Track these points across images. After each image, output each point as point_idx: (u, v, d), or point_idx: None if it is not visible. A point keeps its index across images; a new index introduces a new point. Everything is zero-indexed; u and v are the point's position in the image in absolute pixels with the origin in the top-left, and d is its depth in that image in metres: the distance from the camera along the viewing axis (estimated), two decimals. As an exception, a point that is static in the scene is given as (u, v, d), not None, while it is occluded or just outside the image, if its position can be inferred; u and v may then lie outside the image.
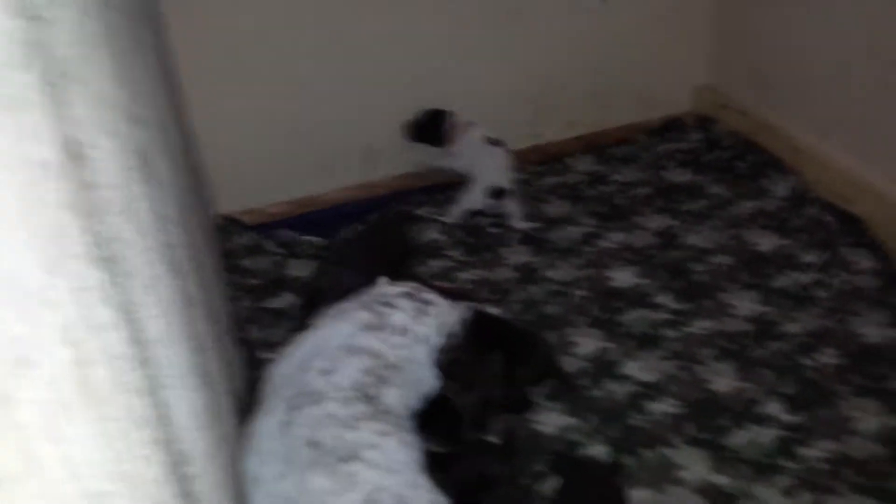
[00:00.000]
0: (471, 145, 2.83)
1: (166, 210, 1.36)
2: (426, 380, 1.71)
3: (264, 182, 2.90)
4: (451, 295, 1.81)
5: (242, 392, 1.91)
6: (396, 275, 1.88)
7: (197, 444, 1.17)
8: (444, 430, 1.79)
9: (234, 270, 2.60)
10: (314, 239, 2.80)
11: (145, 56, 1.55)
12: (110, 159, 0.93)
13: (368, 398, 1.51)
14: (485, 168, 2.78)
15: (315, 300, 2.17)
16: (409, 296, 1.74)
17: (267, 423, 1.50)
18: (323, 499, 1.35)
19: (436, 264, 2.64)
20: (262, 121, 2.81)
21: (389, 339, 1.64)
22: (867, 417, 1.95)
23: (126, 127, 1.11)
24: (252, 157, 2.82)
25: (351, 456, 1.39)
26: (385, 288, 1.76)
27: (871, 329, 2.25)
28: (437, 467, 1.74)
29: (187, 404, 1.17)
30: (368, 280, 1.83)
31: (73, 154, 0.75)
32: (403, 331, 1.66)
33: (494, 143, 2.81)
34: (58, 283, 0.66)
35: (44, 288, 0.64)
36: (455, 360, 1.71)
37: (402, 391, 1.59)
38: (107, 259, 0.79)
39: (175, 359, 1.14)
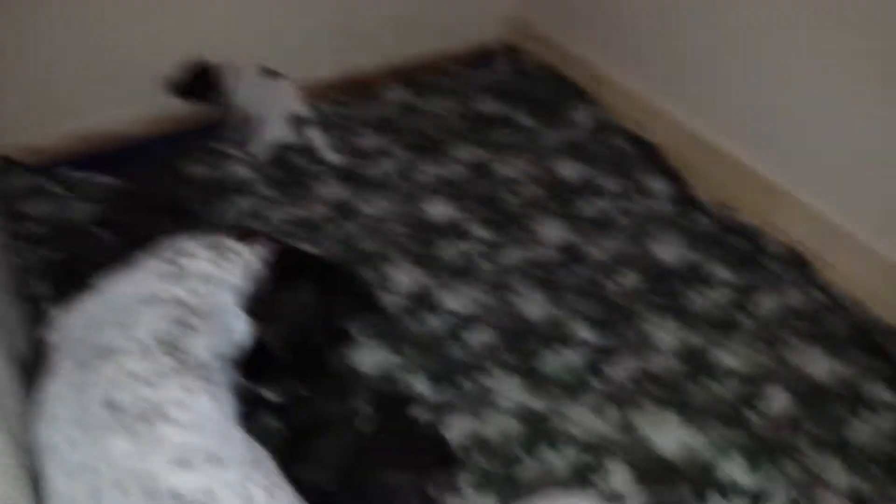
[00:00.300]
0: (251, 87, 2.68)
1: None
2: (237, 327, 1.62)
3: (47, 116, 2.62)
4: (252, 238, 1.72)
5: (28, 355, 1.73)
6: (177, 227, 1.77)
7: None
8: (264, 374, 1.74)
9: (13, 217, 2.35)
10: (106, 179, 2.58)
11: None
12: None
13: (173, 349, 1.40)
14: (275, 101, 2.66)
15: (73, 266, 2.02)
16: (207, 244, 1.64)
17: (57, 386, 1.36)
18: (125, 463, 1.24)
19: (245, 203, 2.51)
20: (43, 47, 2.52)
21: (191, 287, 1.53)
22: (666, 335, 2.08)
23: None
24: (31, 87, 2.55)
25: (154, 415, 1.29)
26: (182, 239, 1.66)
27: (668, 251, 2.38)
28: (269, 413, 1.72)
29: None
30: (138, 239, 1.72)
31: None
32: (206, 278, 1.56)
33: (274, 74, 2.69)
34: None
35: None
36: (258, 298, 1.64)
37: (211, 340, 1.50)
38: None
39: None
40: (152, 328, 1.42)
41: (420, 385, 1.92)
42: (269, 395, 1.75)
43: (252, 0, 2.81)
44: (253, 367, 1.66)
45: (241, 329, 1.63)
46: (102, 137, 2.75)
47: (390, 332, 2.06)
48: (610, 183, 2.65)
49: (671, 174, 2.68)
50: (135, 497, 1.21)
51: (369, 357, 1.98)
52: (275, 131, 2.66)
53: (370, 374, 1.95)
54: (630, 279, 2.28)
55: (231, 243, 1.66)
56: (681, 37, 2.67)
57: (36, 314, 1.99)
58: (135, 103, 2.77)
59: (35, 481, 1.30)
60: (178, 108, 2.79)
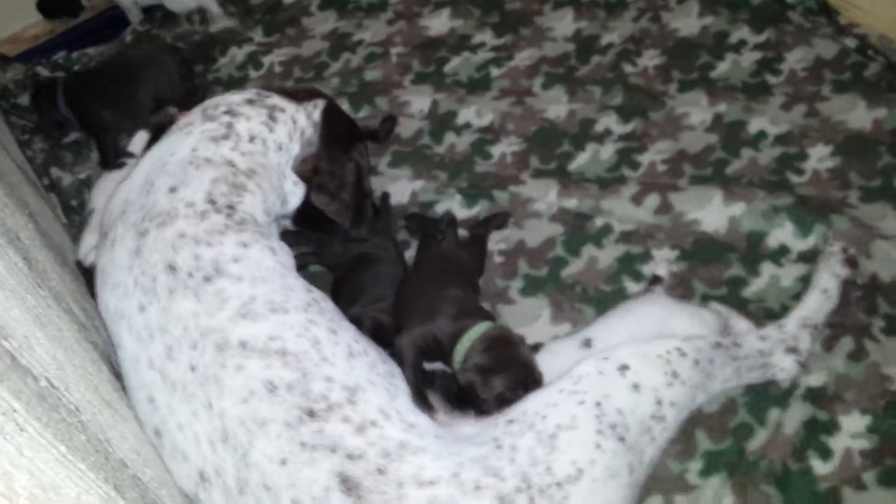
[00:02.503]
0: None
1: None
2: (288, 188, 1.61)
3: (11, 3, 2.49)
4: (295, 95, 1.66)
5: (64, 242, 1.74)
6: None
7: (10, 312, 1.04)
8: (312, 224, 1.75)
9: (16, 111, 2.29)
10: (90, 51, 2.48)
11: None
12: None
13: (225, 208, 1.41)
14: None
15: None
16: (253, 102, 1.59)
17: (117, 255, 1.39)
18: (193, 321, 1.28)
19: (239, 52, 2.41)
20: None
21: (240, 146, 1.51)
22: (696, 110, 2.00)
23: None
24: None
25: (214, 273, 1.32)
26: (227, 96, 1.61)
27: (686, 22, 2.25)
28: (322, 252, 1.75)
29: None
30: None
31: None
32: (253, 138, 1.54)
33: None
34: None
35: None
36: (317, 168, 1.62)
37: (262, 198, 1.50)
38: None
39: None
40: (202, 190, 1.42)
41: (455, 204, 1.89)
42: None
43: None
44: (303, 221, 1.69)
45: (291, 189, 1.62)
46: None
47: (417, 158, 2.01)
48: (614, -41, 2.47)
49: (677, -63, 2.48)
50: (206, 351, 1.26)
51: (401, 186, 1.94)
52: None
53: (404, 202, 1.91)
54: (651, 59, 2.17)
55: (277, 100, 1.61)
56: None
57: (64, 204, 1.99)
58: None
59: (105, 353, 1.35)
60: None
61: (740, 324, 1.55)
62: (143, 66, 2.21)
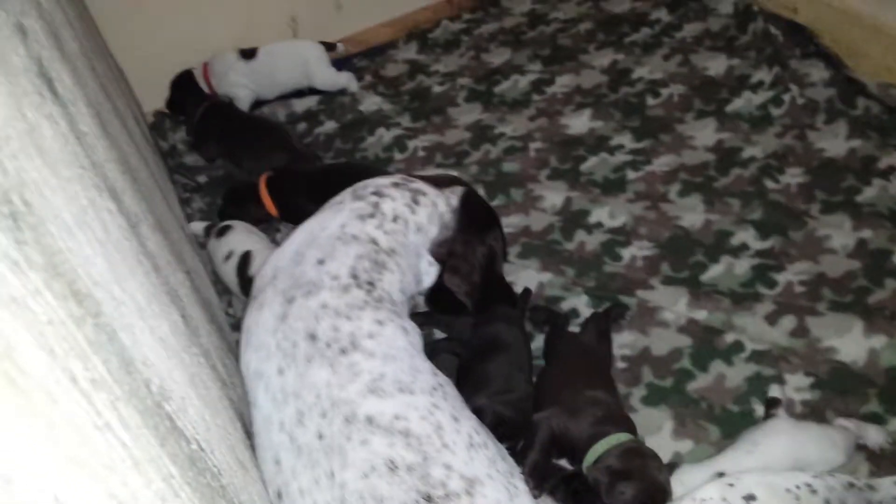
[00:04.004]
0: (240, 68, 2.66)
1: (83, 127, 1.21)
2: (423, 267, 1.69)
3: (177, 68, 2.71)
4: (437, 182, 1.75)
5: (212, 298, 1.83)
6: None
7: (172, 373, 1.09)
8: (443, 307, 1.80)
9: (177, 169, 2.45)
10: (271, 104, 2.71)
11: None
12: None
13: (366, 284, 1.48)
14: (297, 58, 2.70)
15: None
16: (398, 185, 1.68)
17: (263, 317, 1.46)
18: (326, 391, 1.32)
19: (386, 134, 2.51)
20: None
21: (384, 225, 1.60)
22: (838, 233, 1.95)
23: (10, 39, 0.94)
24: (166, 44, 2.63)
25: (350, 346, 1.37)
26: (375, 179, 1.70)
27: (831, 142, 2.22)
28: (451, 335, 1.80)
29: (152, 335, 1.08)
30: None
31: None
32: (397, 218, 1.62)
33: (249, 54, 2.67)
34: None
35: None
36: (451, 252, 1.68)
37: (399, 276, 1.56)
38: (11, 213, 0.66)
39: (127, 292, 1.03)
40: (347, 265, 1.49)
41: (580, 303, 1.88)
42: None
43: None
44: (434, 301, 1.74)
45: (426, 270, 1.69)
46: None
47: (546, 252, 2.03)
48: (759, 73, 2.48)
49: (827, 57, 2.47)
50: (334, 421, 1.28)
51: (528, 277, 1.96)
52: (328, 79, 2.72)
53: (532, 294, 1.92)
54: (792, 176, 2.14)
55: (420, 185, 1.70)
56: None
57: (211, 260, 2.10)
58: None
59: (239, 411, 1.38)
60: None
61: (873, 434, 1.50)
62: (274, 144, 2.33)
